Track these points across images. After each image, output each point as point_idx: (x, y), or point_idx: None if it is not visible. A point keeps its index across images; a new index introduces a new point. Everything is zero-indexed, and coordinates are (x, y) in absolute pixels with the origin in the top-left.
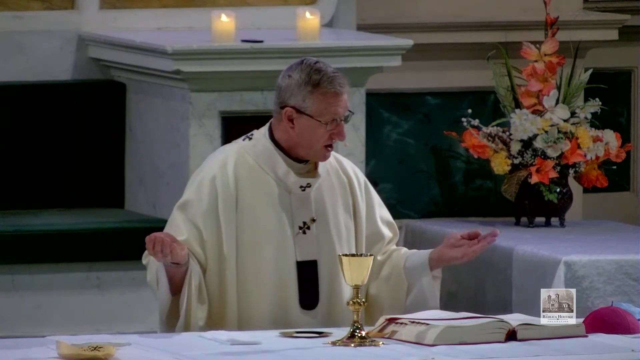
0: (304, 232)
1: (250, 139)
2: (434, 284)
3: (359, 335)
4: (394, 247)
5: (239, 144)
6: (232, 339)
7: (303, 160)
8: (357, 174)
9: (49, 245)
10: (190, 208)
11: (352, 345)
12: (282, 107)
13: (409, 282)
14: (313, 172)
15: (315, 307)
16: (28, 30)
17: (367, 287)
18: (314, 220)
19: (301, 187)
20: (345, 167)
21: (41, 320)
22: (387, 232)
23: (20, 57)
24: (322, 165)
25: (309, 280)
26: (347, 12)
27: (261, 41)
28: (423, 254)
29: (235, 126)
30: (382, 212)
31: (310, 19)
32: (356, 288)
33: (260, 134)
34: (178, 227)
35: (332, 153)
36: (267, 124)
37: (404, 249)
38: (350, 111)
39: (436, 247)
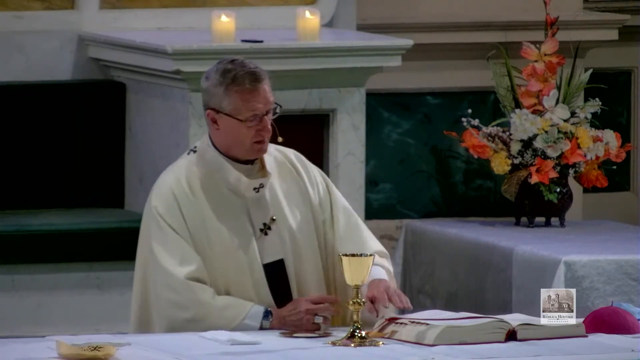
0: (266, 234)
1: (194, 151)
2: None
3: (359, 335)
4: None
5: (184, 159)
6: (232, 339)
7: (249, 162)
8: (306, 165)
9: (49, 245)
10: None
11: (352, 345)
12: (206, 110)
13: None
14: (262, 171)
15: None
16: (28, 30)
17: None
18: (274, 220)
19: (254, 188)
20: (292, 160)
21: (41, 320)
22: (342, 218)
23: (20, 57)
24: (269, 163)
25: (279, 281)
26: (347, 12)
27: (261, 41)
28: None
29: None
30: (336, 199)
31: (310, 19)
32: (356, 288)
33: (204, 144)
34: (186, 250)
35: (274, 146)
36: (206, 134)
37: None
38: (277, 104)
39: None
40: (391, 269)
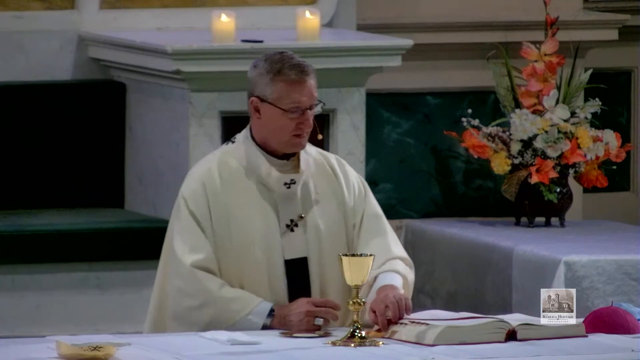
0: (292, 230)
1: (232, 142)
2: None
3: (359, 335)
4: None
5: (221, 150)
6: (232, 339)
7: (285, 157)
8: (346, 170)
9: (49, 245)
10: (195, 219)
11: (352, 345)
12: (249, 98)
13: None
14: (296, 168)
15: None
16: (28, 30)
17: None
18: (301, 217)
19: (285, 184)
20: (332, 163)
21: (41, 320)
22: (367, 223)
23: (20, 57)
24: (304, 161)
25: (299, 278)
26: (347, 12)
27: (261, 41)
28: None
29: (235, 126)
30: (369, 206)
31: (310, 19)
32: (356, 288)
33: (242, 136)
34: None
35: (317, 149)
36: (248, 125)
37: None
38: (320, 101)
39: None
40: (411, 277)
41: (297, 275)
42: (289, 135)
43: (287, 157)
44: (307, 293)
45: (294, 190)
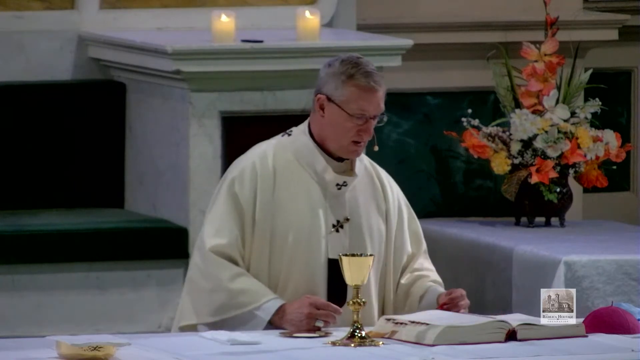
0: (337, 231)
1: (289, 135)
2: None
3: (359, 335)
4: (420, 272)
5: (277, 139)
6: (232, 339)
7: (340, 159)
8: (392, 185)
9: (49, 245)
10: (235, 202)
11: (352, 345)
12: (316, 95)
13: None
14: (350, 171)
15: (342, 305)
16: (28, 30)
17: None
18: (347, 220)
19: (337, 185)
20: (380, 175)
21: (41, 320)
22: (409, 247)
23: (20, 57)
24: (359, 166)
25: (338, 279)
26: (347, 12)
27: (261, 41)
28: (433, 297)
29: (235, 126)
30: (411, 226)
31: (310, 19)
32: (356, 288)
33: (299, 130)
34: (227, 224)
35: (368, 159)
36: (306, 121)
37: (426, 280)
38: (384, 114)
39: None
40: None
41: (337, 275)
42: (349, 140)
43: (341, 159)
44: (342, 293)
45: (344, 192)
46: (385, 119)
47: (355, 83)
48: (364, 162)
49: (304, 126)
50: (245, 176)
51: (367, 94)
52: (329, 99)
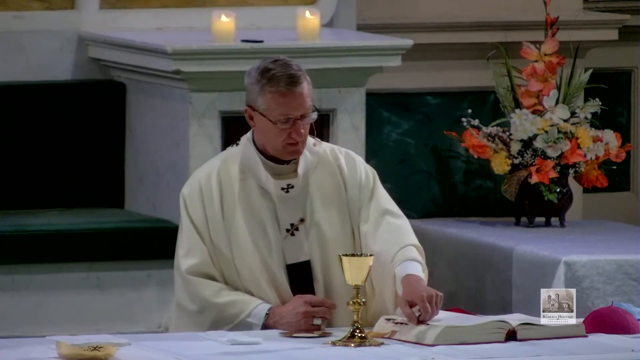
0: (293, 234)
1: (237, 145)
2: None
3: (359, 335)
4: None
5: (227, 152)
6: (232, 339)
7: (284, 162)
8: (352, 165)
9: (49, 245)
10: (192, 221)
11: (352, 345)
12: (245, 106)
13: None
14: (295, 172)
15: None
16: (28, 30)
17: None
18: (302, 221)
19: (282, 188)
20: (340, 163)
21: (41, 320)
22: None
23: (20, 57)
24: (305, 164)
25: (303, 282)
26: (347, 12)
27: (261, 41)
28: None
29: (235, 126)
30: (380, 206)
31: (310, 19)
32: (356, 288)
33: (246, 139)
34: (195, 243)
35: (332, 147)
36: (251, 129)
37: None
38: (315, 108)
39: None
40: (423, 262)
41: (302, 279)
42: (282, 144)
43: (287, 161)
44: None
45: (293, 194)
46: (315, 115)
47: (271, 90)
48: (319, 154)
49: (250, 134)
50: (194, 199)
51: (286, 98)
52: (254, 109)
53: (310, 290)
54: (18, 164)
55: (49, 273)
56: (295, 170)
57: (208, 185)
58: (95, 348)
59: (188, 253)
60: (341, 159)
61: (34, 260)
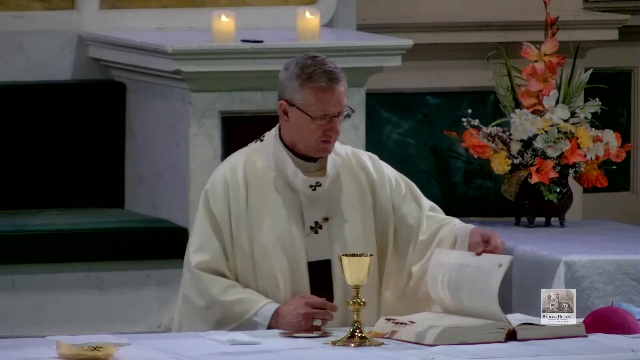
0: (316, 232)
1: (261, 140)
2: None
3: (359, 335)
4: (442, 221)
5: (250, 147)
6: (232, 339)
7: (312, 159)
8: (377, 166)
9: (49, 245)
10: (211, 216)
11: (352, 345)
12: (279, 100)
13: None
14: (323, 170)
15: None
16: (28, 30)
17: (410, 268)
18: (326, 220)
19: (311, 186)
20: (364, 163)
21: (41, 320)
22: (415, 216)
23: (20, 57)
24: (332, 163)
25: (322, 280)
26: (347, 12)
27: (261, 41)
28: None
29: (235, 126)
30: (408, 197)
31: (310, 19)
32: (356, 288)
33: (271, 135)
34: (208, 239)
35: (351, 150)
36: (277, 125)
37: (453, 223)
38: (350, 108)
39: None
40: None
41: (321, 277)
42: (316, 140)
43: (314, 159)
44: (329, 295)
45: (320, 192)
46: (351, 113)
47: (312, 85)
48: (342, 155)
49: (275, 130)
50: (217, 191)
51: (326, 94)
52: (290, 104)
53: (329, 288)
54: (18, 164)
55: (49, 273)
56: (322, 169)
57: (234, 177)
58: (95, 348)
59: (199, 249)
60: (365, 160)
61: (34, 260)
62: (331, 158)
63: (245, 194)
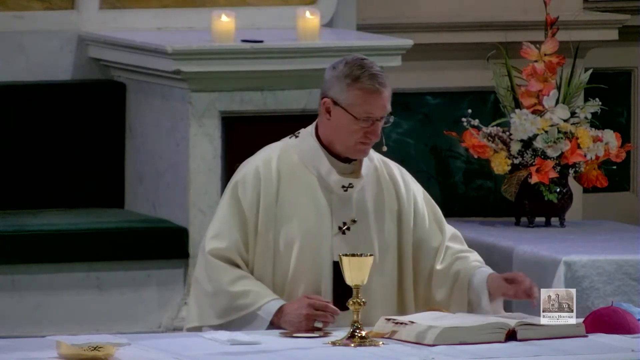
0: (344, 233)
1: (296, 136)
2: (495, 305)
3: (359, 335)
4: (459, 253)
5: (284, 142)
6: (232, 339)
7: (347, 160)
8: (407, 181)
9: (49, 245)
10: (238, 206)
11: (352, 345)
12: (322, 98)
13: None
14: (357, 172)
15: (348, 308)
16: (28, 30)
17: (433, 293)
18: (354, 222)
19: (343, 186)
20: (393, 173)
21: (41, 320)
22: (435, 239)
23: (20, 57)
24: (366, 167)
25: (344, 281)
26: (347, 12)
27: (261, 41)
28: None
29: (235, 126)
30: (431, 218)
31: (310, 19)
32: (356, 288)
33: (307, 132)
34: (228, 228)
35: (381, 157)
36: (314, 122)
37: (469, 259)
38: (391, 114)
39: (495, 275)
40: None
41: (342, 278)
42: (355, 142)
43: (349, 160)
44: (349, 296)
45: (351, 194)
46: (392, 119)
47: (360, 86)
48: (374, 161)
49: (311, 128)
50: (248, 181)
51: (373, 97)
52: (335, 103)
53: (350, 289)
54: (18, 164)
55: (49, 273)
56: (355, 171)
57: (267, 169)
58: (95, 348)
59: (217, 236)
60: (393, 169)
61: (34, 260)
62: (365, 161)
63: (277, 187)
